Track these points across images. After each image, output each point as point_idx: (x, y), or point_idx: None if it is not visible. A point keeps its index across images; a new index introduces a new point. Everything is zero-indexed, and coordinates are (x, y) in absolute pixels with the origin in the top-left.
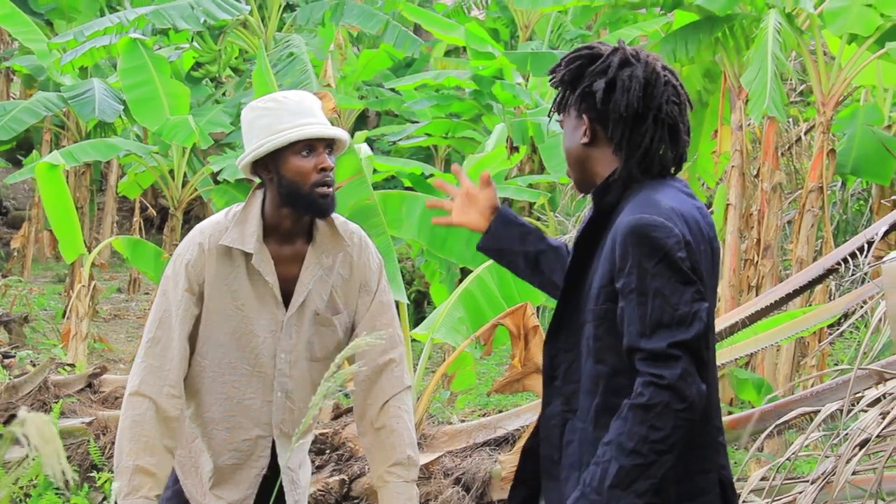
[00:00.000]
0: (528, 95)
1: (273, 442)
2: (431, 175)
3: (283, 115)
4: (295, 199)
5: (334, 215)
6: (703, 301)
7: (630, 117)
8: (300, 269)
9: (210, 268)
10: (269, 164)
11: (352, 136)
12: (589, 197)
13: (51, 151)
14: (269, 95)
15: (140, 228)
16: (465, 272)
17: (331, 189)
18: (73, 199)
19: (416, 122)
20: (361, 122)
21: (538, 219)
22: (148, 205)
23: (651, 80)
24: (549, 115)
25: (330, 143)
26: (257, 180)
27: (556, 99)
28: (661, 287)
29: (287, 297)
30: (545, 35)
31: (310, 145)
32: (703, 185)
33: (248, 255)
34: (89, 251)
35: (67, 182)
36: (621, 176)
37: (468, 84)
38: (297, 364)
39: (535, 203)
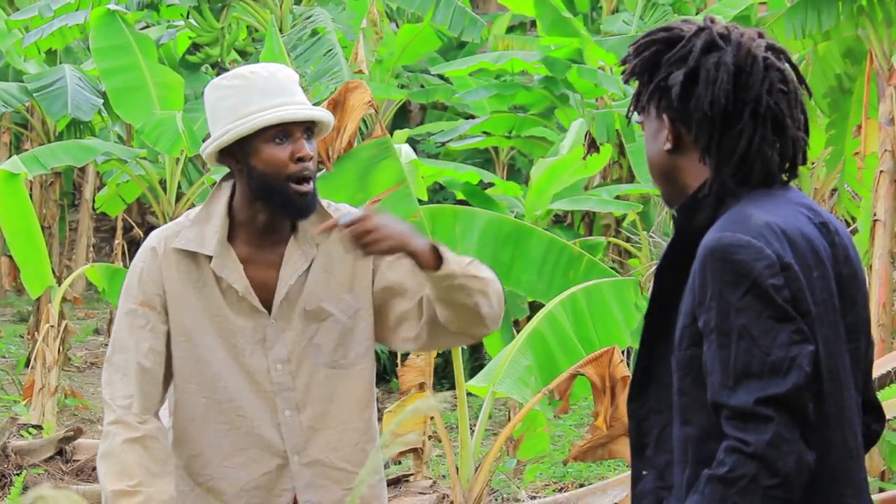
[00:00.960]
0: (613, 83)
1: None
2: (491, 184)
3: (251, 94)
4: (268, 195)
5: (323, 200)
6: (807, 343)
7: (718, 115)
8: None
9: (170, 276)
10: (236, 154)
11: (391, 134)
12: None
13: (10, 157)
14: (234, 71)
15: (123, 253)
16: (534, 308)
17: (311, 183)
18: (39, 216)
19: (472, 117)
20: (402, 117)
21: (627, 239)
22: (133, 223)
23: (745, 66)
24: (627, 116)
25: (309, 127)
26: (227, 169)
27: (633, 95)
28: (747, 325)
29: (268, 305)
30: (636, 6)
31: (284, 131)
32: (853, 195)
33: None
34: (59, 282)
35: (31, 196)
36: (712, 189)
37: (537, 69)
38: (304, 373)
39: (623, 219)
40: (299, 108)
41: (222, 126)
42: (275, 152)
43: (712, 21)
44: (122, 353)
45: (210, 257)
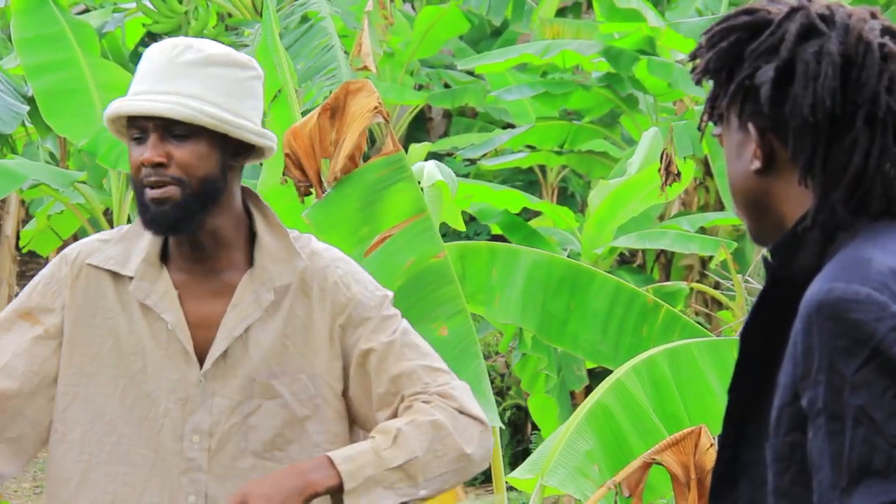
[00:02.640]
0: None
1: None
2: (537, 214)
3: (135, 76)
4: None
5: (297, 233)
6: None
7: (822, 122)
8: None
9: (76, 293)
10: None
11: (405, 148)
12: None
13: None
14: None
15: None
16: (595, 376)
17: (170, 190)
18: None
19: (511, 125)
20: (420, 126)
21: (716, 285)
22: None
23: (855, 56)
24: (700, 127)
25: (174, 124)
26: None
27: (707, 99)
28: (867, 406)
29: (204, 353)
30: None
31: (138, 127)
32: None
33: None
34: None
35: None
36: (817, 220)
37: (596, 63)
38: (225, 457)
39: (710, 259)
40: (143, 98)
41: None
42: (131, 152)
43: None
44: None
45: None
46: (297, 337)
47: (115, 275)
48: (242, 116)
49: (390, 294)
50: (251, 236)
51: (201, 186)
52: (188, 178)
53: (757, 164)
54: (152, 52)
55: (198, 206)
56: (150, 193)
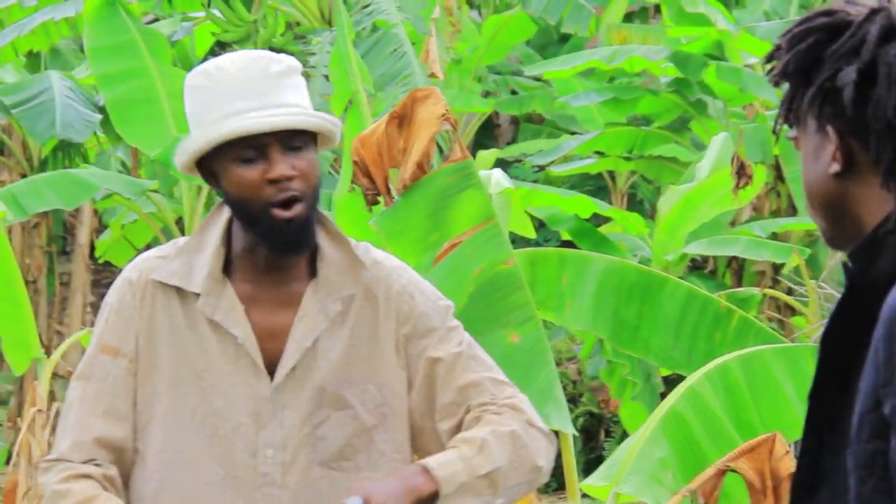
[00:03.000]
0: (766, 86)
1: None
2: (607, 220)
3: (211, 97)
4: (250, 225)
5: (358, 242)
6: None
7: None
8: (294, 320)
9: (144, 314)
10: (210, 173)
11: (473, 154)
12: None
13: None
14: (203, 66)
15: None
16: (668, 383)
17: (298, 208)
18: (21, 268)
19: (578, 132)
20: (488, 133)
21: (789, 291)
22: None
23: None
24: (774, 130)
25: (294, 134)
26: None
27: (783, 101)
28: None
29: (274, 365)
30: None
31: (253, 145)
32: None
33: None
34: (48, 353)
35: (11, 242)
36: None
37: (665, 68)
38: (296, 469)
39: (782, 265)
40: (263, 116)
41: (188, 138)
42: (243, 173)
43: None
44: (75, 411)
45: (199, 295)
46: (364, 346)
47: (180, 290)
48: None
49: (452, 304)
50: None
51: (315, 197)
52: (309, 190)
53: (836, 167)
54: (233, 68)
55: (313, 218)
56: (283, 214)
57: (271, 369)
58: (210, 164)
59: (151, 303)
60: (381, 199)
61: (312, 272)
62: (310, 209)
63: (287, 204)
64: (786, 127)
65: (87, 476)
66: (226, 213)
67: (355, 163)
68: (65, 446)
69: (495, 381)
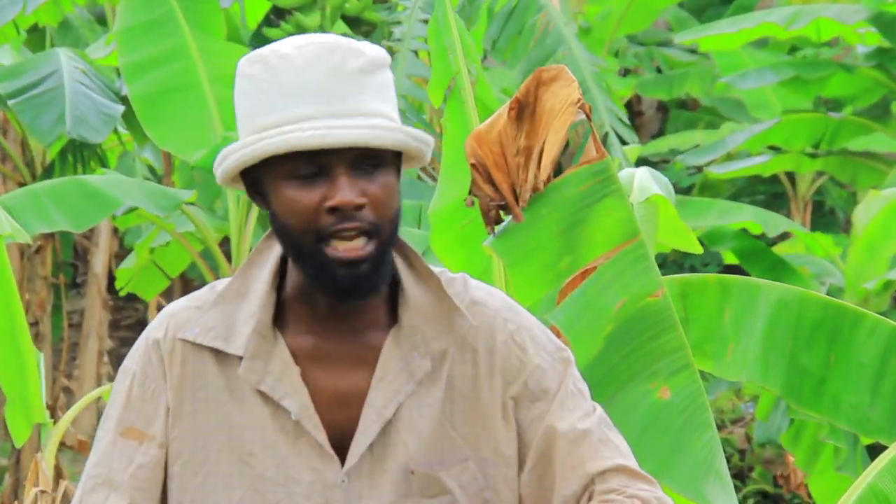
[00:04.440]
0: None
1: None
2: (785, 237)
3: (270, 94)
4: (297, 259)
5: (443, 271)
6: None
7: None
8: (370, 382)
9: (174, 383)
10: (258, 188)
11: (606, 148)
12: None
13: None
14: (263, 50)
15: None
16: (871, 450)
17: (365, 247)
18: (23, 303)
19: (746, 122)
20: (628, 123)
21: None
22: None
23: None
24: None
25: (367, 152)
26: None
27: None
28: None
29: (345, 439)
30: None
31: (314, 162)
32: None
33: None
34: (54, 417)
35: (12, 267)
36: None
37: (862, 36)
38: None
39: None
40: (333, 125)
41: (242, 138)
42: (297, 196)
43: None
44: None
45: (241, 358)
46: (460, 414)
47: (219, 352)
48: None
49: (572, 357)
50: (392, 284)
51: (390, 231)
52: (381, 223)
53: None
54: (300, 59)
55: (386, 257)
56: (345, 253)
57: (342, 448)
58: (257, 176)
59: (181, 369)
60: (504, 214)
61: (393, 319)
62: (383, 246)
63: (344, 240)
64: None
65: None
66: (274, 249)
67: (474, 167)
68: None
69: (631, 473)
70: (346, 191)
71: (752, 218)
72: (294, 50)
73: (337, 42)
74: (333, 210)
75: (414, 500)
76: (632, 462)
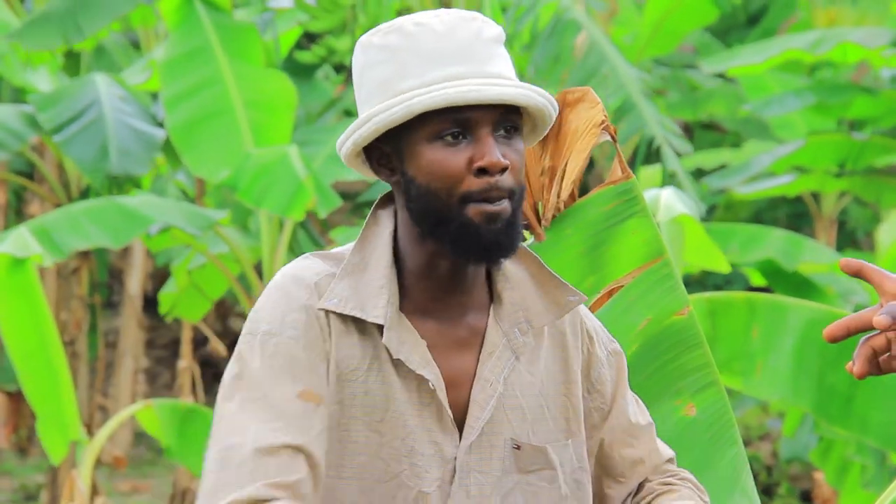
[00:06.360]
0: None
1: None
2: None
3: (410, 60)
4: (434, 225)
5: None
6: None
7: None
8: (477, 358)
9: (328, 349)
10: (389, 156)
11: (633, 170)
12: None
13: (8, 226)
14: (393, 22)
15: (194, 381)
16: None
17: (498, 206)
18: (57, 324)
19: (769, 141)
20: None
21: None
22: (208, 332)
23: None
24: None
25: (509, 117)
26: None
27: None
28: None
29: (456, 418)
30: None
31: (460, 122)
32: None
33: (380, 329)
34: (90, 433)
35: (44, 289)
36: None
37: (887, 58)
38: None
39: None
40: (487, 84)
41: (368, 109)
42: (442, 157)
43: None
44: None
45: (380, 327)
46: (555, 393)
47: (357, 321)
48: None
49: (624, 354)
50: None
51: (521, 196)
52: (517, 188)
53: None
54: (441, 26)
55: (520, 221)
56: (488, 208)
57: (459, 424)
58: (393, 143)
59: (332, 336)
60: (527, 233)
61: (490, 299)
62: (516, 209)
63: (489, 202)
64: None
65: None
66: (385, 223)
67: None
68: None
69: (669, 458)
70: (495, 151)
71: (777, 245)
72: (433, 17)
73: (471, 14)
74: (480, 172)
75: (518, 475)
76: (664, 448)
